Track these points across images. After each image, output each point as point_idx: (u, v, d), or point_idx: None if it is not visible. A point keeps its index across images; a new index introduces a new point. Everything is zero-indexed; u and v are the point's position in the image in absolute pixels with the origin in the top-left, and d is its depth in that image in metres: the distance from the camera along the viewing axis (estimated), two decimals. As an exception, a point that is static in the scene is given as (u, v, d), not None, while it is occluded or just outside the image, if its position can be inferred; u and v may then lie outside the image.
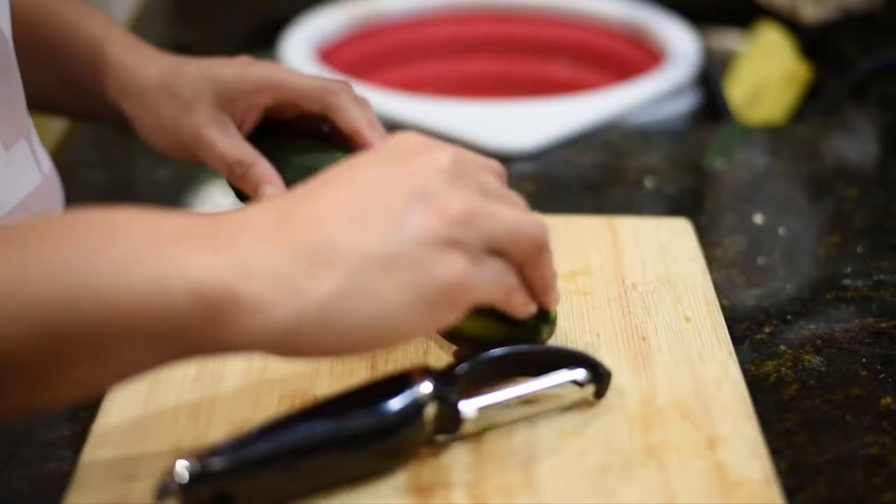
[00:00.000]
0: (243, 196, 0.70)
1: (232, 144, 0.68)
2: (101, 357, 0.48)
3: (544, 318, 0.61)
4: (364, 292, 0.49)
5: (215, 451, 0.51)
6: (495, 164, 0.58)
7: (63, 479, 0.56)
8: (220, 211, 0.52)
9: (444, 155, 0.53)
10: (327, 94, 0.68)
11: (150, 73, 0.69)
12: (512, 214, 0.54)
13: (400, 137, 0.55)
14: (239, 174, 0.68)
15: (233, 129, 0.69)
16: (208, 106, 0.68)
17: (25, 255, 0.47)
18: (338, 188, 0.52)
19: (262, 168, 0.68)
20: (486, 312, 0.59)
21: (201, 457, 0.51)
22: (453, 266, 0.51)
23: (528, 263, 0.55)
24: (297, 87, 0.68)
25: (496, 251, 0.53)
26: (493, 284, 0.53)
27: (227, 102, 0.68)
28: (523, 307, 0.57)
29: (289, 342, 0.49)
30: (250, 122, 0.69)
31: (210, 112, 0.68)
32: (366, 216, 0.50)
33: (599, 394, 0.59)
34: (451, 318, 0.52)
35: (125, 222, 0.49)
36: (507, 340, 0.60)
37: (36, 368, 0.47)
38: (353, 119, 0.67)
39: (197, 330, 0.48)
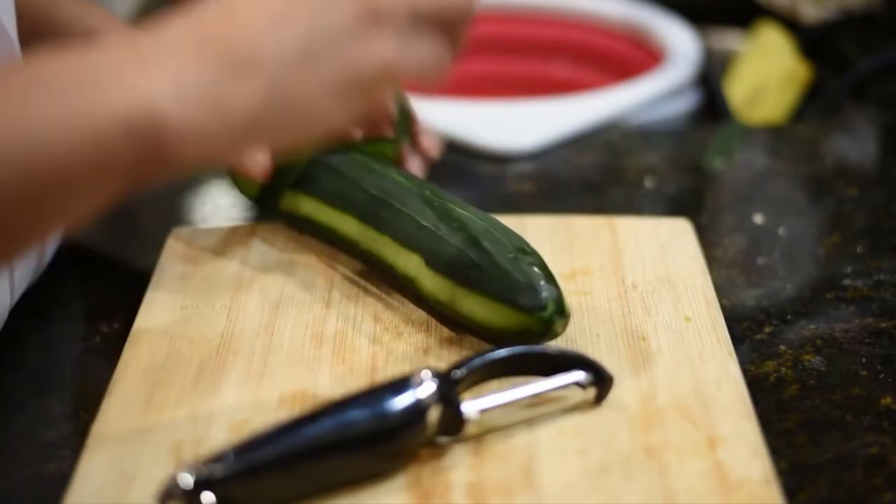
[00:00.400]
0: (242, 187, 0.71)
1: None
2: (48, 204, 0.48)
3: (560, 310, 0.61)
4: (288, 97, 0.49)
5: (218, 458, 0.52)
6: None
7: (63, 479, 0.56)
8: (140, 31, 0.51)
9: None
10: None
11: None
12: None
13: None
14: None
15: None
16: None
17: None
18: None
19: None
20: (499, 300, 0.60)
21: (204, 463, 0.51)
22: (378, 51, 0.51)
23: (450, 27, 0.54)
24: None
25: (423, 22, 0.53)
26: (422, 62, 0.53)
27: None
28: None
29: (222, 156, 0.51)
30: None
31: None
32: (286, 15, 0.50)
33: (600, 398, 0.59)
34: (384, 97, 0.54)
35: (48, 68, 0.48)
36: (519, 331, 0.61)
37: None
38: None
39: (135, 164, 0.48)
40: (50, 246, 0.73)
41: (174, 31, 0.50)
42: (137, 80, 0.47)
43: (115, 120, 0.47)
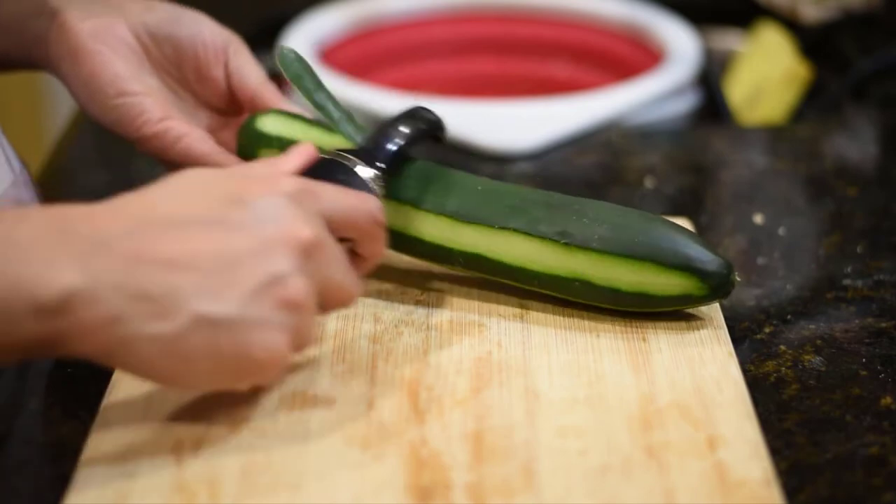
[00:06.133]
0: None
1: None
2: None
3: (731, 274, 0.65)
4: (180, 353, 0.52)
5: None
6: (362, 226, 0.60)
7: (63, 479, 0.56)
8: (77, 214, 0.53)
9: (305, 231, 0.55)
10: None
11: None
12: (348, 284, 0.57)
13: (283, 187, 0.56)
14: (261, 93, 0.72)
15: None
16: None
17: None
18: (203, 231, 0.53)
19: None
20: (680, 268, 0.64)
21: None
22: (270, 345, 0.53)
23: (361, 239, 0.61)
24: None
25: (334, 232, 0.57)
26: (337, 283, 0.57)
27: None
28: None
29: (106, 362, 0.53)
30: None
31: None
32: (217, 281, 0.52)
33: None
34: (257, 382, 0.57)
35: None
36: (690, 296, 0.65)
37: None
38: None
39: (39, 343, 0.51)
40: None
41: (111, 228, 0.52)
42: (54, 268, 0.50)
43: (26, 297, 0.50)
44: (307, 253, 0.55)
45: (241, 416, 0.59)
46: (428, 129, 0.68)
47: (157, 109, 0.69)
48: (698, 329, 0.66)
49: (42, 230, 0.51)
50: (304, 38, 1.15)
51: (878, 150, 0.99)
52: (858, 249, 0.80)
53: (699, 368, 0.62)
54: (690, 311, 0.67)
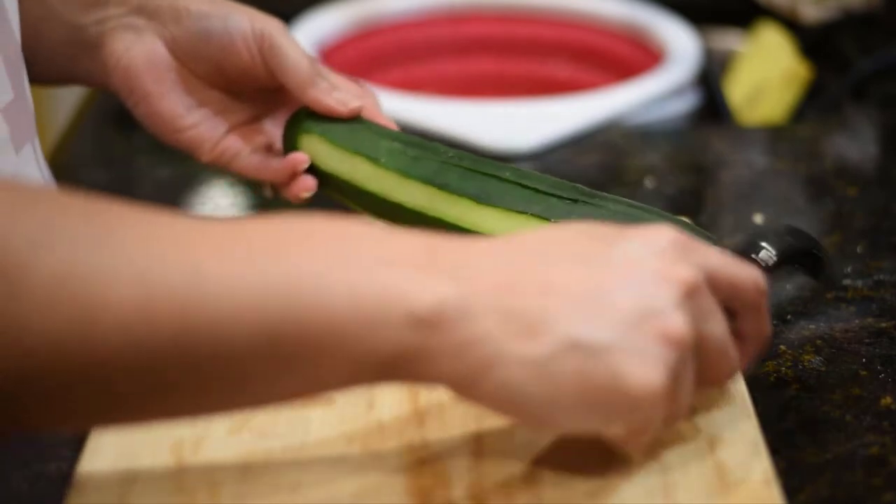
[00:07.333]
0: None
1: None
2: (301, 368, 0.48)
3: None
4: (548, 376, 0.49)
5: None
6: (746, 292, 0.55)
7: (63, 479, 0.56)
8: (444, 241, 0.51)
9: (689, 273, 0.51)
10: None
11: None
12: (729, 350, 0.53)
13: (665, 235, 0.52)
14: (316, 82, 0.69)
15: None
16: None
17: (263, 258, 0.47)
18: (576, 264, 0.50)
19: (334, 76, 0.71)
20: None
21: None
22: (644, 377, 0.49)
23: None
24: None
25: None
26: (680, 408, 0.52)
27: None
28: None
29: (464, 390, 0.49)
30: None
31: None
32: (591, 306, 0.49)
33: None
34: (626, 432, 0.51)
35: (356, 238, 0.49)
36: None
37: (244, 372, 0.47)
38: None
39: (401, 358, 0.48)
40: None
41: (481, 259, 0.50)
42: (427, 283, 0.48)
43: (401, 306, 0.47)
44: (689, 294, 0.50)
45: (240, 416, 0.58)
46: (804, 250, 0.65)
47: (210, 135, 0.71)
48: (698, 329, 0.66)
49: (409, 251, 0.49)
50: (304, 38, 1.15)
51: (878, 150, 0.99)
52: (858, 249, 0.80)
53: (699, 368, 0.62)
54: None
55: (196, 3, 0.70)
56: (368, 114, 0.71)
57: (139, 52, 0.69)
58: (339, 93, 0.70)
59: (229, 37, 0.69)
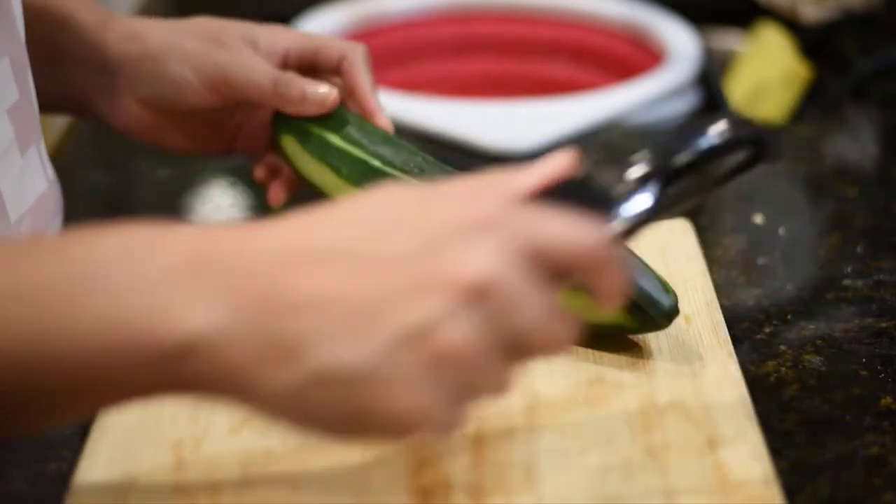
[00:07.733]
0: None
1: (266, 63, 0.71)
2: (72, 399, 0.46)
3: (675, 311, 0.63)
4: (298, 408, 0.45)
5: None
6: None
7: (63, 479, 0.56)
8: (219, 239, 0.47)
9: (473, 268, 0.45)
10: (347, 45, 0.72)
11: (159, 32, 0.71)
12: (553, 326, 0.47)
13: (465, 210, 0.46)
14: (280, 91, 0.70)
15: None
16: (235, 40, 0.71)
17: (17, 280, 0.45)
18: (350, 265, 0.45)
19: (300, 79, 0.70)
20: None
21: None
22: (398, 408, 0.44)
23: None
24: (318, 36, 0.73)
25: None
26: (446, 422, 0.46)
27: (250, 43, 0.71)
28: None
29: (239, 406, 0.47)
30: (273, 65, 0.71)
31: (238, 45, 0.71)
32: (351, 327, 0.44)
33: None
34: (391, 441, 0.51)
35: (105, 264, 0.45)
36: (636, 328, 0.63)
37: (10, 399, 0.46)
38: (362, 79, 0.71)
39: (161, 385, 0.46)
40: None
41: (246, 266, 0.45)
42: (184, 308, 0.44)
43: (161, 336, 0.44)
44: (476, 296, 0.44)
45: (240, 416, 0.59)
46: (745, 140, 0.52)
47: (244, 145, 0.76)
48: (698, 329, 0.66)
49: (176, 261, 0.45)
50: (304, 38, 1.15)
51: (878, 150, 0.99)
52: (858, 249, 0.80)
53: (699, 368, 0.62)
54: (690, 310, 0.67)
55: (145, 63, 0.71)
56: (351, 80, 0.72)
57: (120, 114, 0.72)
58: (301, 89, 0.70)
59: (176, 90, 0.71)
